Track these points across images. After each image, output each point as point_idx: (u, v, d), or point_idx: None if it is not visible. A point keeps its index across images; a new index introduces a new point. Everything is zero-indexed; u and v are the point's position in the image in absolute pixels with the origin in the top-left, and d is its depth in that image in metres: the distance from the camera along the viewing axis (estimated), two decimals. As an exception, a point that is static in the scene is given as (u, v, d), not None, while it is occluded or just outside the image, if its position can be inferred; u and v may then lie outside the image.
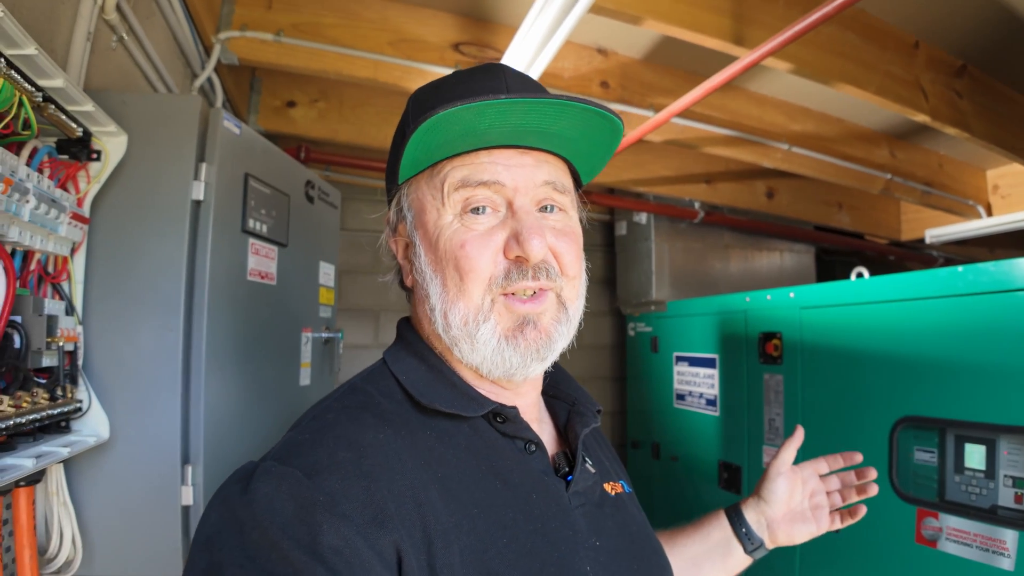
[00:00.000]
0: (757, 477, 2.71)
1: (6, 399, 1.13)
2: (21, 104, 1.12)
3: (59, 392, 1.30)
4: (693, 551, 1.17)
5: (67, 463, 1.43)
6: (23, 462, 1.13)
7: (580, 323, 0.88)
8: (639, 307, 3.99)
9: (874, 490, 1.21)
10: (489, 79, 0.84)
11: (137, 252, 1.51)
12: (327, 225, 2.35)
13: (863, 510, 1.20)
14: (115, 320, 1.48)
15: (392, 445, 0.73)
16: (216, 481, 1.55)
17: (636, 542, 0.90)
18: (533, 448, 0.83)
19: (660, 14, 2.04)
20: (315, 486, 0.65)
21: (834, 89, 2.44)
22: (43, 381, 1.29)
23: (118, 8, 1.66)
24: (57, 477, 1.40)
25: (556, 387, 1.01)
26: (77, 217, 1.37)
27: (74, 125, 1.32)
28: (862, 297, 2.26)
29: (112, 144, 1.44)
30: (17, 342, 1.20)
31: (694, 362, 3.31)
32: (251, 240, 1.77)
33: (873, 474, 1.22)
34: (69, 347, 1.35)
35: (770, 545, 1.19)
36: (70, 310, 1.40)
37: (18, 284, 1.19)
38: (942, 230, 3.83)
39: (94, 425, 1.41)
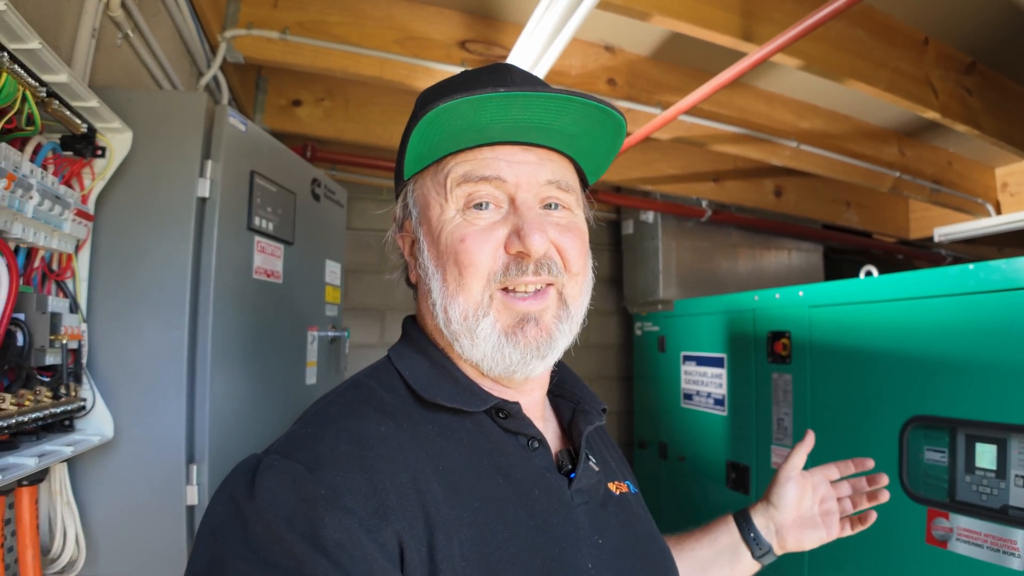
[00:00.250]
0: (765, 477, 2.70)
1: (8, 397, 1.12)
2: (24, 99, 1.11)
3: (63, 390, 1.29)
4: (701, 555, 1.17)
5: (71, 462, 1.42)
6: (25, 461, 1.12)
7: (584, 321, 0.88)
8: (646, 306, 3.97)
9: (885, 496, 1.20)
10: (494, 77, 0.85)
11: (142, 249, 1.50)
12: (333, 223, 2.34)
13: (873, 516, 1.18)
14: (120, 318, 1.48)
15: (394, 438, 0.73)
16: (221, 481, 1.54)
17: (640, 542, 0.89)
18: (536, 445, 0.83)
19: (668, 10, 2.02)
20: (317, 480, 0.65)
21: (844, 86, 2.42)
22: (47, 379, 1.28)
23: (123, 5, 1.66)
24: (61, 476, 1.39)
25: (561, 386, 1.01)
26: (81, 214, 1.36)
27: (78, 121, 1.31)
28: (872, 295, 2.24)
29: (117, 141, 1.43)
30: (20, 340, 1.19)
31: (702, 361, 3.29)
32: (257, 238, 1.76)
33: (885, 480, 1.21)
34: (73, 345, 1.35)
35: (779, 551, 1.18)
36: (74, 308, 1.40)
37: (21, 281, 1.19)
38: (951, 228, 3.80)
39: (98, 424, 1.41)
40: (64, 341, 1.29)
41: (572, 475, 0.84)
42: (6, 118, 1.09)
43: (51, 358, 1.26)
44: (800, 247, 4.51)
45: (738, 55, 2.10)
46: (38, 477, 1.25)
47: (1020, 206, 4.05)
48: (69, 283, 1.40)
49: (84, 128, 1.34)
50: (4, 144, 1.07)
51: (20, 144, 1.20)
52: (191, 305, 1.53)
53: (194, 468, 1.52)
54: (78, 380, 1.37)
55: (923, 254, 5.15)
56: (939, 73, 2.64)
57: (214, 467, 1.55)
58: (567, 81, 2.67)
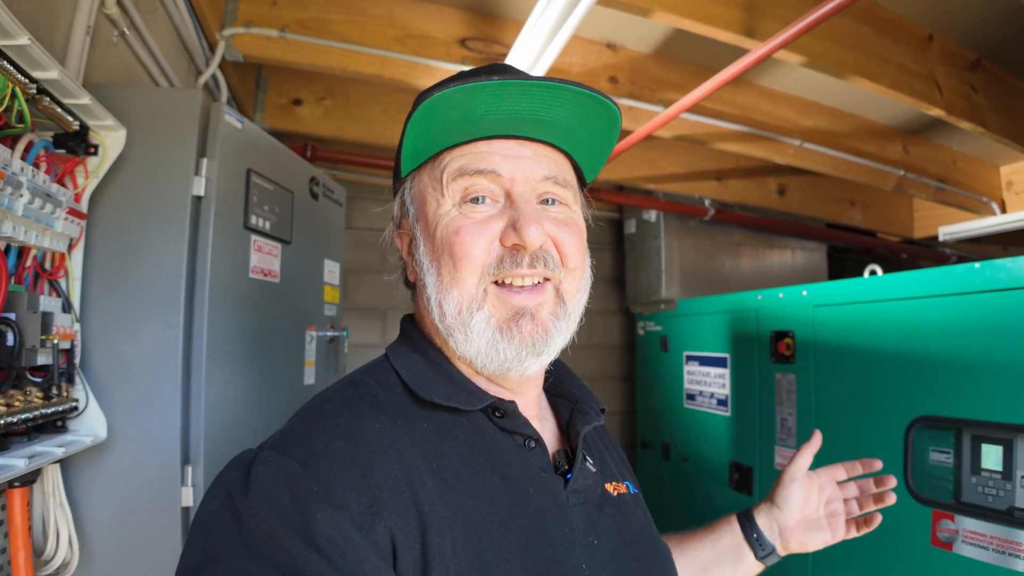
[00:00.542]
0: (768, 478, 2.68)
1: (-1, 398, 1.11)
2: (14, 96, 1.10)
3: (54, 391, 1.28)
4: (703, 556, 1.16)
5: (65, 463, 1.41)
6: (15, 462, 1.10)
7: (582, 320, 0.87)
8: (648, 306, 3.95)
9: (892, 499, 1.18)
10: (491, 72, 0.84)
11: (137, 248, 1.49)
12: (332, 222, 2.33)
13: (879, 518, 1.17)
14: (114, 318, 1.46)
15: (389, 435, 0.73)
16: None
17: (637, 543, 0.88)
18: (532, 444, 0.83)
19: (670, 6, 2.01)
20: (311, 476, 0.65)
21: (847, 82, 2.41)
22: (38, 380, 1.27)
23: (119, 3, 1.65)
24: (53, 477, 1.38)
25: (559, 385, 1.00)
26: (74, 212, 1.35)
27: (70, 118, 1.30)
28: (876, 295, 2.22)
29: (110, 138, 1.42)
30: (11, 340, 1.18)
31: (705, 361, 3.27)
32: (253, 237, 1.75)
33: (892, 482, 1.19)
34: (65, 345, 1.33)
35: (782, 552, 1.17)
36: (67, 307, 1.38)
37: (12, 280, 1.17)
38: (956, 227, 3.77)
39: (91, 425, 1.40)
40: (56, 341, 1.27)
41: (568, 476, 0.83)
42: (-5, 115, 1.07)
43: (42, 358, 1.25)
44: (804, 246, 4.50)
45: (741, 52, 2.09)
46: (30, 478, 1.24)
47: (1025, 204, 4.03)
48: (62, 282, 1.38)
49: (76, 126, 1.33)
50: (-7, 141, 1.06)
51: (11, 142, 1.19)
52: (186, 304, 1.51)
53: (189, 469, 1.51)
54: (70, 380, 1.36)
55: (928, 253, 5.14)
56: (944, 70, 2.62)
57: (209, 468, 1.53)
58: (568, 78, 2.65)
